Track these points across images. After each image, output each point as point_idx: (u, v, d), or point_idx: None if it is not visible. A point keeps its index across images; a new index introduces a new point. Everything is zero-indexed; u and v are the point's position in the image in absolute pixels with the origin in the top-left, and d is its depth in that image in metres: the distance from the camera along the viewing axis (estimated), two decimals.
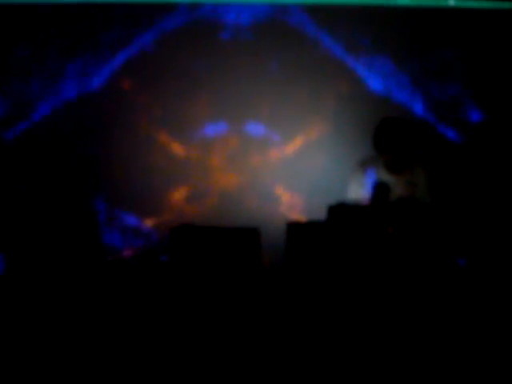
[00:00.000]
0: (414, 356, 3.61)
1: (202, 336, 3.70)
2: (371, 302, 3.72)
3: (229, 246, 3.74)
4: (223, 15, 5.08)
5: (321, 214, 3.91)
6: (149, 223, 5.11)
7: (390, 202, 4.13)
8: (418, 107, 5.04)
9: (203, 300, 3.74)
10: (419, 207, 3.97)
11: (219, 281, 3.74)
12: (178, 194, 5.14)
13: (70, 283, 3.82)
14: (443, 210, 4.23)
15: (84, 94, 5.09)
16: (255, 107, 5.11)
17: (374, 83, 5.05)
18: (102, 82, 5.10)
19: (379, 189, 4.17)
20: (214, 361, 3.65)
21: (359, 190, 4.34)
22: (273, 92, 5.07)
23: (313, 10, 5.03)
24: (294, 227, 3.94)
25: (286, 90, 5.06)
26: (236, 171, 5.14)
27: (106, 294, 3.83)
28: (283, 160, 5.14)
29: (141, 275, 3.87)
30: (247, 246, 3.75)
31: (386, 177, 4.27)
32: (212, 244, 3.77)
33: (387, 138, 4.17)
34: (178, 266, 3.73)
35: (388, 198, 4.15)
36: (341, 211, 3.83)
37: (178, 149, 5.14)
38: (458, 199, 4.85)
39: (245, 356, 3.65)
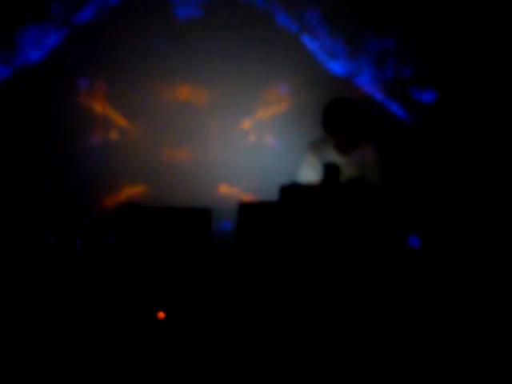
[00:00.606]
0: (357, 337, 3.66)
1: (153, 320, 3.70)
2: (320, 283, 3.77)
3: (179, 227, 3.73)
4: None
5: (273, 195, 3.96)
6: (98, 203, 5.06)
7: (340, 182, 4.18)
8: (368, 85, 5.09)
9: (153, 283, 3.73)
10: (368, 188, 4.04)
11: (170, 263, 3.74)
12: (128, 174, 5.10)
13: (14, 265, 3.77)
14: (393, 191, 4.31)
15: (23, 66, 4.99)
16: (207, 87, 5.10)
17: (330, 64, 5.08)
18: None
19: (329, 169, 4.20)
20: (168, 344, 3.66)
21: (311, 172, 4.37)
22: (222, 68, 5.05)
23: None
24: (245, 207, 3.97)
25: (236, 67, 5.05)
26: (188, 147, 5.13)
27: (50, 279, 3.78)
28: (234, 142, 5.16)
29: (87, 259, 3.83)
30: (198, 227, 3.76)
31: (335, 158, 4.30)
32: (161, 225, 3.75)
33: (335, 119, 4.22)
34: (125, 248, 3.70)
35: (338, 179, 4.19)
36: (293, 191, 3.87)
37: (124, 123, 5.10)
38: (408, 180, 4.92)
39: (196, 337, 3.67)
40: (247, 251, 3.86)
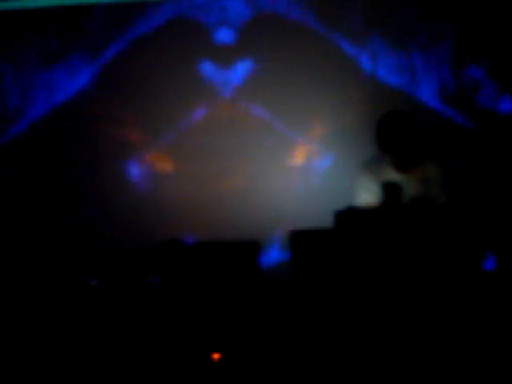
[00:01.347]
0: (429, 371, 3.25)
1: (208, 361, 3.35)
2: (386, 314, 3.36)
3: (225, 262, 3.37)
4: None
5: (327, 221, 3.59)
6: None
7: (403, 203, 3.78)
8: (423, 93, 4.67)
9: (202, 323, 3.38)
10: (435, 207, 3.63)
11: (217, 300, 3.38)
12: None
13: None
14: (462, 208, 3.88)
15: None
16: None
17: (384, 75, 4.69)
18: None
19: (389, 189, 3.80)
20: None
21: (368, 194, 3.97)
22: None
23: None
24: (298, 236, 3.59)
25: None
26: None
27: (94, 323, 3.48)
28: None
29: (129, 300, 3.50)
30: (246, 261, 3.39)
31: (395, 176, 3.90)
32: (205, 261, 3.40)
33: (392, 136, 3.81)
34: (167, 287, 3.36)
35: (400, 199, 3.80)
36: (349, 216, 3.48)
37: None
38: (477, 195, 4.47)
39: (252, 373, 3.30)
40: (302, 283, 3.48)
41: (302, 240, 3.58)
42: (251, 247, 3.42)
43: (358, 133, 4.62)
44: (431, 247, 3.46)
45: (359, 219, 3.49)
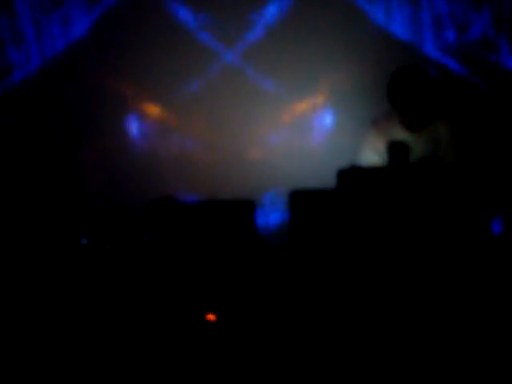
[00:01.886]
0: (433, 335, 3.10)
1: (203, 322, 3.21)
2: (389, 276, 3.19)
3: (219, 221, 3.20)
4: None
5: (331, 181, 3.40)
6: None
7: (410, 163, 3.58)
8: (433, 48, 4.44)
9: (193, 283, 3.23)
10: (443, 167, 3.43)
11: (210, 260, 3.21)
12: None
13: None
14: (471, 168, 3.69)
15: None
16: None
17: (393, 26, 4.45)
18: None
19: (396, 149, 3.60)
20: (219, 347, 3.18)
21: (374, 154, 3.79)
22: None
23: None
24: (298, 196, 3.41)
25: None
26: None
27: (83, 282, 3.34)
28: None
29: (121, 259, 3.35)
30: (241, 221, 3.21)
31: (403, 135, 3.70)
32: (199, 219, 3.23)
33: (404, 93, 3.60)
34: (159, 245, 3.20)
35: (407, 159, 3.60)
36: (353, 176, 3.29)
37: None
38: (489, 155, 4.27)
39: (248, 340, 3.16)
40: (300, 245, 3.30)
41: (301, 200, 3.41)
42: (247, 206, 3.24)
43: (364, 89, 4.41)
44: (437, 208, 3.29)
45: (363, 179, 3.30)
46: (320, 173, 4.44)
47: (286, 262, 3.27)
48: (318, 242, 3.28)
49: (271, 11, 4.54)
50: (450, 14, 4.42)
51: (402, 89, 3.60)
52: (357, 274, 3.23)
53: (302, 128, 4.58)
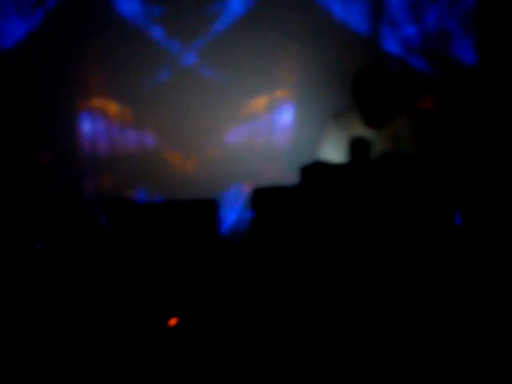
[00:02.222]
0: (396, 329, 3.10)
1: (163, 328, 3.13)
2: (353, 273, 3.18)
3: (180, 223, 3.12)
4: None
5: (292, 178, 3.36)
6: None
7: (371, 159, 3.57)
8: (391, 43, 4.43)
9: (151, 286, 3.14)
10: (404, 162, 3.42)
11: (170, 263, 3.13)
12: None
13: None
14: (431, 164, 3.69)
15: None
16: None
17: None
18: None
19: (358, 145, 3.61)
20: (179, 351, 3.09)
21: (334, 149, 3.75)
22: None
23: None
24: (260, 194, 3.36)
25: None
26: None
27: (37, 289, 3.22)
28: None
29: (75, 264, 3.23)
30: (203, 222, 3.14)
31: (364, 131, 3.68)
32: (159, 221, 3.15)
33: (368, 91, 3.60)
34: (117, 249, 3.10)
35: (368, 156, 3.59)
36: (317, 172, 3.25)
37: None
38: (452, 149, 4.29)
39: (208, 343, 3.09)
40: (264, 243, 3.25)
41: (265, 197, 3.36)
42: (209, 206, 3.17)
43: (323, 84, 4.38)
44: (399, 204, 3.29)
45: (327, 175, 3.27)
46: (281, 169, 4.45)
47: (250, 261, 3.21)
48: (282, 239, 3.24)
49: (231, 6, 4.48)
50: (407, 8, 4.43)
51: (366, 87, 3.60)
52: (321, 270, 3.20)
53: (262, 124, 4.52)
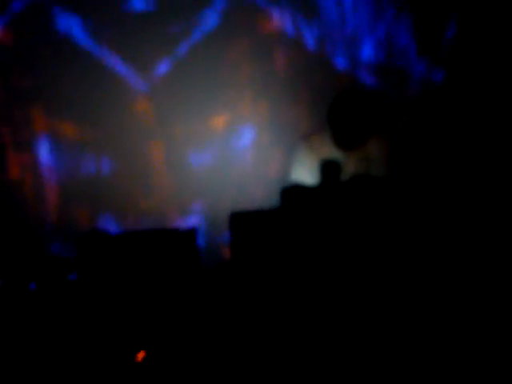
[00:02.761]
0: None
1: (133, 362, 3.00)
2: (330, 294, 3.16)
3: (158, 253, 2.99)
4: None
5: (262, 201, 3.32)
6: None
7: (341, 181, 3.56)
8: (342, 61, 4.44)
9: (128, 321, 3.00)
10: (374, 184, 3.44)
11: (149, 298, 3.00)
12: None
13: None
14: (402, 185, 3.72)
15: None
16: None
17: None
18: None
19: (328, 168, 3.56)
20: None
21: (303, 170, 3.74)
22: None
23: None
24: (238, 218, 3.29)
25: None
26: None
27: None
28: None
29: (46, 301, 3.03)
30: (183, 250, 3.03)
31: (335, 153, 3.68)
32: (135, 252, 3.02)
33: (344, 117, 3.65)
34: (92, 283, 2.93)
35: (339, 178, 3.58)
36: (296, 194, 3.21)
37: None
38: (420, 170, 4.33)
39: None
40: (243, 269, 3.18)
41: (242, 221, 3.30)
42: (188, 235, 3.06)
43: (282, 105, 4.36)
44: (370, 225, 3.29)
45: (305, 197, 3.24)
46: (243, 191, 4.38)
47: (231, 287, 3.13)
48: (261, 262, 3.18)
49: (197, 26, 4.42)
50: (358, 27, 4.47)
51: (342, 112, 3.63)
52: (302, 293, 3.16)
53: (223, 145, 4.47)
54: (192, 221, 4.32)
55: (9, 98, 4.28)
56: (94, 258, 2.95)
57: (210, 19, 4.36)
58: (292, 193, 3.23)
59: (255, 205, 3.96)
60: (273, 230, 3.21)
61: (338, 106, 3.66)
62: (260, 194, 4.31)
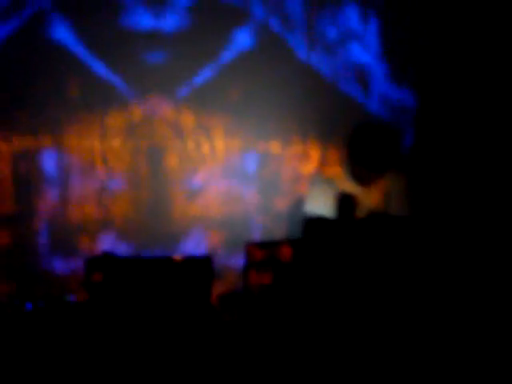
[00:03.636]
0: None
1: None
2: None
3: (170, 281, 2.81)
4: None
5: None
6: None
7: (359, 218, 3.45)
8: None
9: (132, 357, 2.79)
10: (393, 222, 3.36)
11: (156, 327, 2.80)
12: None
13: None
14: (421, 223, 3.60)
15: None
16: None
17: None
18: None
19: (345, 202, 3.46)
20: None
21: (319, 203, 3.57)
22: None
23: None
24: (252, 248, 3.14)
25: None
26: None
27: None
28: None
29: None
30: (196, 280, 2.84)
31: (352, 187, 3.55)
32: (145, 279, 2.83)
33: (362, 149, 3.50)
34: (101, 310, 2.74)
35: (354, 214, 3.46)
36: (319, 226, 3.07)
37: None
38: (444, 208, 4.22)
39: None
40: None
41: (255, 252, 3.14)
42: (203, 264, 2.87)
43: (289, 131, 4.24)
44: (386, 263, 3.24)
45: (329, 229, 3.11)
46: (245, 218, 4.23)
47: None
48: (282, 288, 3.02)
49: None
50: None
51: (362, 147, 3.50)
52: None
53: (227, 172, 4.32)
54: (196, 245, 4.17)
55: None
56: (104, 281, 2.76)
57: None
58: (315, 225, 3.10)
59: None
60: (297, 259, 3.06)
61: (356, 139, 3.54)
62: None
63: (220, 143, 4.29)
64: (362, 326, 3.08)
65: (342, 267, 3.12)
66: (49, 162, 4.10)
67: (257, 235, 4.09)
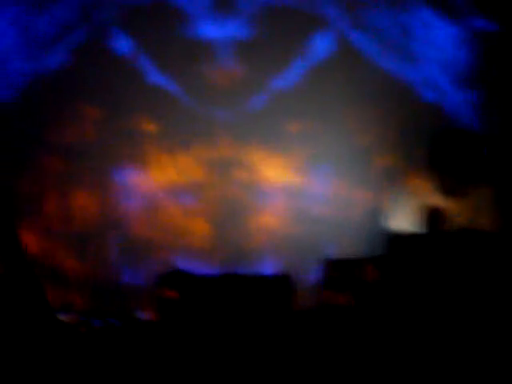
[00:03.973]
0: None
1: None
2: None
3: (244, 300, 2.63)
4: None
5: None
6: None
7: (447, 233, 3.22)
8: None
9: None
10: (483, 240, 3.11)
11: (232, 347, 2.61)
12: None
13: None
14: None
15: None
16: None
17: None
18: None
19: (432, 216, 3.24)
20: None
21: (403, 216, 3.36)
22: None
23: None
24: (334, 266, 2.94)
25: None
26: None
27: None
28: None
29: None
30: (274, 300, 2.65)
31: (439, 200, 3.32)
32: (218, 297, 2.67)
33: (448, 157, 3.31)
34: (172, 327, 2.58)
35: (442, 229, 3.24)
36: (406, 242, 2.86)
37: None
38: None
39: None
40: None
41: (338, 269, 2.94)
42: (280, 282, 2.68)
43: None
44: (478, 284, 3.02)
45: (415, 245, 2.89)
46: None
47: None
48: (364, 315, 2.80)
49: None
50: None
51: (448, 153, 3.30)
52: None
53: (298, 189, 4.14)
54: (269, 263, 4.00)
55: None
56: (179, 299, 2.61)
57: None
58: (404, 242, 2.89)
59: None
60: (386, 279, 2.84)
61: (443, 147, 3.32)
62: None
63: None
64: (461, 355, 2.86)
65: (436, 288, 2.91)
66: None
67: (330, 250, 3.90)
